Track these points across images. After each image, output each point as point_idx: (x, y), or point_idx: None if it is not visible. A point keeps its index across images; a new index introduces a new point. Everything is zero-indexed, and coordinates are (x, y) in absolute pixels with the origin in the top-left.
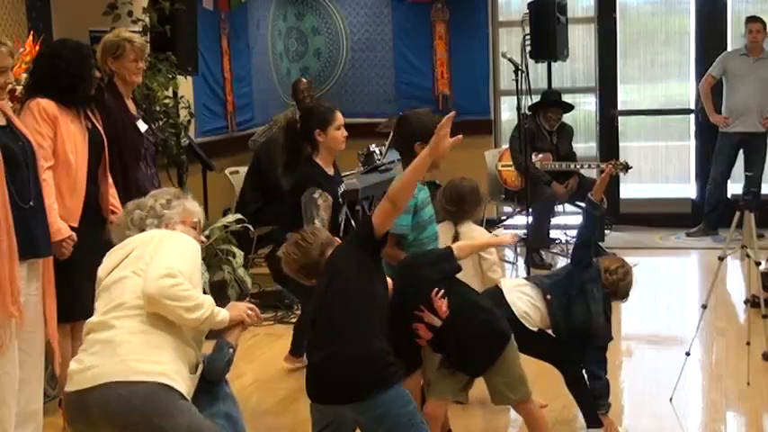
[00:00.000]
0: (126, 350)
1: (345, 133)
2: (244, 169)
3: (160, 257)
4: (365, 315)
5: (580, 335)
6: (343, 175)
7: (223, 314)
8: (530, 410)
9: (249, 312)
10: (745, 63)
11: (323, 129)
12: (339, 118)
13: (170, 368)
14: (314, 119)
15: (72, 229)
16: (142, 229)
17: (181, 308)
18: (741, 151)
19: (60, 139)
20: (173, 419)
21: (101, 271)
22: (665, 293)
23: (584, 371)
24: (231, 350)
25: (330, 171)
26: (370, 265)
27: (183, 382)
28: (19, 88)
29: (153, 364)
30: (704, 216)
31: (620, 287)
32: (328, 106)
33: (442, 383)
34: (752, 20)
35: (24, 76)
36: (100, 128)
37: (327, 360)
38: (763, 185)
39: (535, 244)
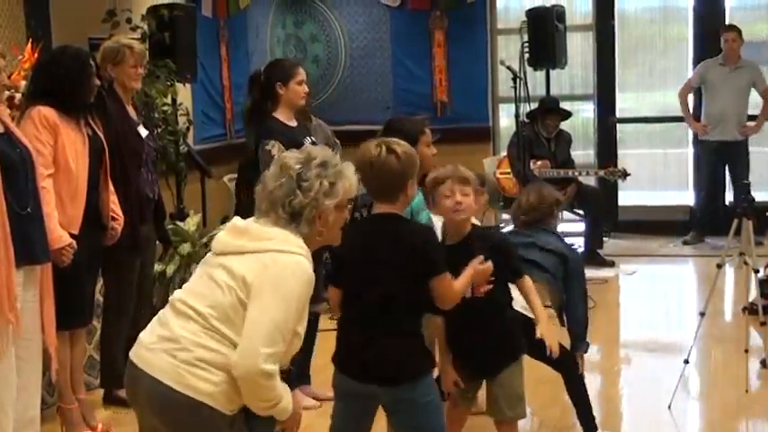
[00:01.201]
0: (183, 357)
1: (306, 89)
2: None
3: (262, 319)
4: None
5: (565, 267)
6: None
7: (285, 412)
8: None
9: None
10: (722, 72)
11: (284, 82)
12: (301, 73)
13: (219, 389)
14: (277, 72)
15: (72, 236)
16: (291, 216)
17: (259, 402)
18: (727, 160)
19: (61, 147)
20: None
21: (216, 243)
22: (663, 301)
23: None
24: None
25: (292, 124)
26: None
27: (232, 404)
28: (18, 96)
29: (203, 381)
30: (694, 223)
31: (538, 209)
32: (293, 62)
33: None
34: (727, 29)
35: (24, 83)
36: (100, 134)
37: (373, 341)
38: (754, 192)
39: None
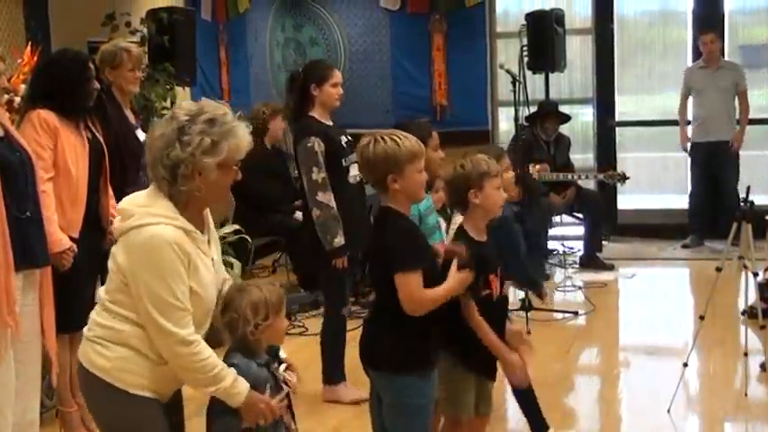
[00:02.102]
0: (91, 335)
1: (341, 91)
2: None
3: (144, 297)
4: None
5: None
6: None
7: (233, 396)
8: None
9: (267, 414)
10: (705, 75)
11: (319, 84)
12: (337, 76)
13: (115, 365)
14: (312, 73)
15: (72, 239)
16: (171, 171)
17: (194, 374)
18: (714, 161)
19: (61, 150)
20: (105, 415)
21: (116, 224)
22: (662, 304)
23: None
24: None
25: (328, 123)
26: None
27: (137, 377)
28: (17, 99)
29: (102, 358)
30: (689, 228)
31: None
32: (329, 64)
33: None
34: (704, 32)
35: (23, 87)
36: (100, 137)
37: (368, 328)
38: (753, 196)
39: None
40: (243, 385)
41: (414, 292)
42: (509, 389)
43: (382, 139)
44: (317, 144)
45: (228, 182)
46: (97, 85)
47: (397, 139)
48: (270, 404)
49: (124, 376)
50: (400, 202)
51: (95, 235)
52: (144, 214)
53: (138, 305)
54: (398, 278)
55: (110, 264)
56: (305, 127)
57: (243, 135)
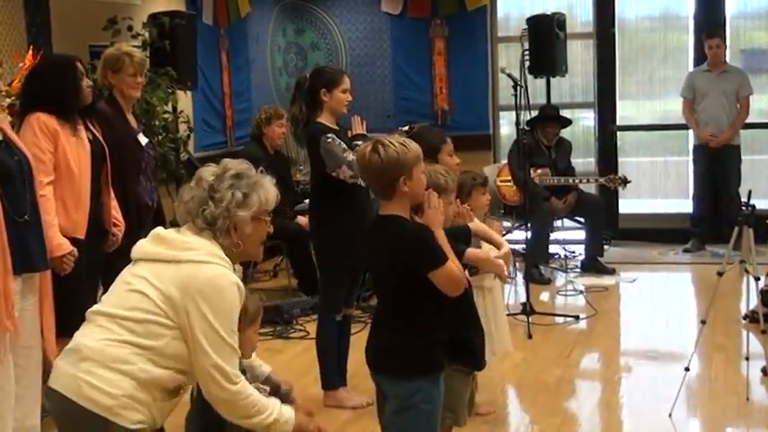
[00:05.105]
0: (85, 368)
1: (350, 98)
2: None
3: (209, 335)
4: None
5: None
6: None
7: (285, 427)
8: None
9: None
10: (708, 78)
11: (329, 89)
12: (346, 81)
13: (120, 402)
14: (321, 78)
15: (78, 241)
16: (208, 225)
17: (244, 419)
18: (717, 165)
19: (62, 153)
20: None
21: (135, 250)
22: (664, 309)
23: None
24: None
25: (335, 127)
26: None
27: (137, 413)
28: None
29: (102, 394)
30: (691, 232)
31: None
32: (338, 69)
33: None
34: (710, 36)
35: None
36: (101, 139)
37: (374, 333)
38: (752, 200)
39: (534, 259)
40: (288, 414)
41: (453, 277)
42: (509, 390)
43: (390, 143)
44: (335, 138)
45: (263, 234)
46: (89, 83)
47: (402, 143)
48: (318, 427)
49: (127, 413)
50: (403, 208)
51: (96, 237)
52: (209, 253)
53: (194, 340)
54: (435, 275)
55: (138, 285)
56: (317, 130)
57: (269, 187)
